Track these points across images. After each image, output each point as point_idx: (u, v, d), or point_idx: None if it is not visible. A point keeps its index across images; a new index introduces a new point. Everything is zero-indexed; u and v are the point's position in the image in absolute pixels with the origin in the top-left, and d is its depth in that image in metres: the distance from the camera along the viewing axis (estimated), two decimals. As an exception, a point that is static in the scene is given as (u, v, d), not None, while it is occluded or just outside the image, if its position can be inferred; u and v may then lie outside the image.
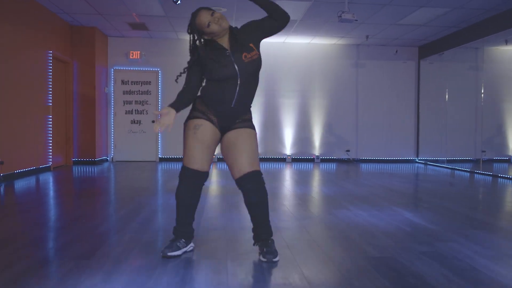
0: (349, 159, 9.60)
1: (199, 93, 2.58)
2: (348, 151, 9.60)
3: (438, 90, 8.99)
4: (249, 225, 2.64)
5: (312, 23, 7.73)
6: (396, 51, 9.51)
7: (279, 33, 8.31)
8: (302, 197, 4.79)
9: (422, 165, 9.13)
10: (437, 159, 9.01)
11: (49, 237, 3.04)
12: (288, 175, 7.03)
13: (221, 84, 2.45)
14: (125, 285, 2.06)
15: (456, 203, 4.56)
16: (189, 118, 2.55)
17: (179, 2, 6.08)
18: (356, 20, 5.82)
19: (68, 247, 2.70)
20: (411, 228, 3.31)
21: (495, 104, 8.73)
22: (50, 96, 7.14)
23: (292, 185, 5.78)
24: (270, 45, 9.18)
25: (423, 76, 9.62)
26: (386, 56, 9.61)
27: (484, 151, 8.61)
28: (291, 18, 7.39)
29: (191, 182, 2.49)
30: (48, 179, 6.23)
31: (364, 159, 9.67)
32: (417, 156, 9.75)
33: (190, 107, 2.60)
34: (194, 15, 2.46)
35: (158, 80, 9.13)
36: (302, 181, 6.34)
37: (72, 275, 2.16)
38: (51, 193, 5.26)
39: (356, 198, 4.70)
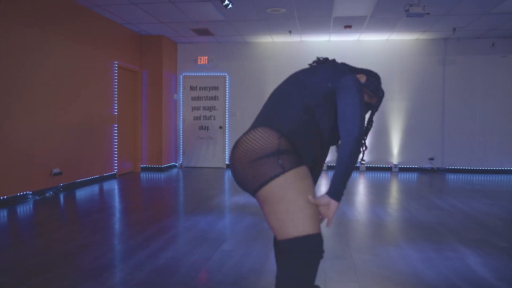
0: (432, 168, 8.49)
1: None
2: (431, 159, 8.49)
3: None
4: None
5: (384, 18, 6.88)
6: (493, 44, 8.15)
7: (351, 30, 7.71)
8: (345, 221, 4.16)
9: (525, 178, 7.71)
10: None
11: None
12: (354, 187, 6.34)
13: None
14: None
15: (550, 242, 3.57)
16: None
17: (230, 6, 5.78)
18: (428, 14, 4.94)
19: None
20: (467, 285, 2.56)
21: None
22: (116, 106, 7.32)
23: (348, 205, 5.12)
24: (343, 43, 8.48)
25: (528, 72, 8.12)
26: (481, 50, 8.29)
27: None
28: (361, 14, 6.64)
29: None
30: (109, 188, 6.34)
31: (451, 168, 8.48)
32: (520, 167, 8.29)
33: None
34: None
35: (226, 85, 8.95)
36: (364, 196, 5.63)
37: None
38: (96, 206, 5.29)
39: (417, 229, 3.94)
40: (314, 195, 1.70)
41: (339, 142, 2.14)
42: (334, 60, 1.95)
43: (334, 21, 7.12)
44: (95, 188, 6.23)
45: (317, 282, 2.56)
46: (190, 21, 7.15)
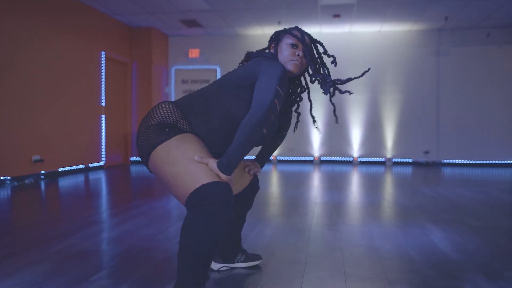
0: (427, 162, 8.30)
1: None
2: (426, 152, 8.31)
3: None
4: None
5: (373, 5, 6.76)
6: (488, 34, 7.96)
7: (341, 20, 7.59)
8: (325, 205, 4.03)
9: (522, 171, 7.49)
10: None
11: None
12: (345, 180, 6.20)
13: None
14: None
15: (526, 222, 3.41)
16: None
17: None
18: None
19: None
20: (420, 256, 2.42)
21: None
22: (104, 97, 7.28)
23: (330, 191, 4.99)
24: (334, 35, 8.37)
25: (525, 63, 7.92)
26: (476, 40, 8.11)
27: None
28: (346, 1, 6.53)
29: None
30: (94, 177, 6.29)
31: (447, 162, 8.29)
32: (517, 160, 8.06)
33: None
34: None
35: (217, 78, 8.88)
36: (351, 186, 5.50)
37: None
38: (77, 191, 5.23)
39: (392, 211, 3.80)
40: (197, 152, 1.62)
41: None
42: (257, 53, 1.95)
43: (321, 10, 7.02)
44: (79, 178, 6.18)
45: (266, 253, 2.46)
46: (176, 10, 7.11)
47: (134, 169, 7.60)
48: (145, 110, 8.27)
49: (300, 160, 8.71)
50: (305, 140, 8.63)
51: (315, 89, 2.20)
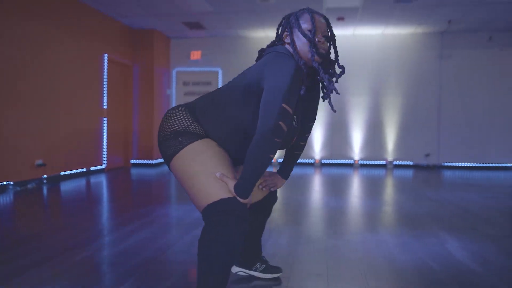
0: (428, 165, 8.31)
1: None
2: (427, 155, 8.32)
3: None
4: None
5: (377, 9, 6.75)
6: (490, 38, 7.98)
7: (345, 23, 7.58)
8: (333, 212, 4.01)
9: (523, 174, 7.52)
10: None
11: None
12: (348, 184, 6.19)
13: None
14: None
15: (538, 229, 3.41)
16: None
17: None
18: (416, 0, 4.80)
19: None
20: (440, 267, 2.41)
21: None
22: (105, 99, 7.23)
23: (336, 197, 4.97)
24: (339, 38, 8.29)
25: (526, 66, 7.95)
26: (478, 44, 8.13)
27: None
28: (352, 4, 6.51)
29: None
30: (95, 181, 6.23)
31: (448, 165, 8.30)
32: (518, 163, 8.09)
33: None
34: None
35: (218, 80, 8.84)
36: (356, 191, 5.49)
37: None
38: (80, 196, 5.18)
39: (401, 219, 3.79)
40: (217, 165, 1.61)
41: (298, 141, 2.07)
42: (269, 50, 1.75)
43: (326, 13, 7.01)
44: (81, 182, 6.12)
45: (286, 264, 2.43)
46: (180, 13, 7.06)
47: (134, 171, 7.54)
48: (146, 112, 8.22)
49: (301, 163, 8.69)
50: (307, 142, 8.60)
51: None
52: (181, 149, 1.65)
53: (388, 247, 2.82)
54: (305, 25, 1.68)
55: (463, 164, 8.28)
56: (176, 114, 1.73)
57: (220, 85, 8.82)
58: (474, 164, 8.24)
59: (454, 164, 8.30)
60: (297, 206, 4.29)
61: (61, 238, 2.99)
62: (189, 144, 1.65)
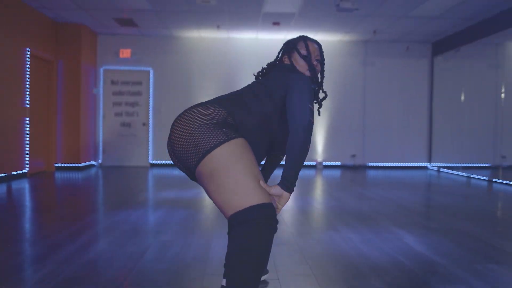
0: (354, 165, 8.86)
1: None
2: (353, 156, 8.87)
3: (454, 89, 8.20)
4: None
5: (312, 16, 7.04)
6: (408, 48, 8.74)
7: (279, 28, 7.78)
8: (288, 211, 4.12)
9: (435, 172, 8.34)
10: (452, 166, 8.21)
11: None
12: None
13: None
14: None
15: (472, 222, 3.83)
16: None
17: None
18: (357, 9, 5.14)
19: None
20: (410, 261, 2.61)
21: (517, 105, 7.89)
22: (28, 97, 6.62)
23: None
24: (268, 42, 8.53)
25: (437, 75, 8.83)
26: (397, 53, 8.85)
27: (504, 157, 7.81)
28: (289, 10, 6.72)
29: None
30: (18, 187, 5.69)
31: (371, 165, 8.93)
32: (430, 162, 8.95)
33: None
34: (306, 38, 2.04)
35: (150, 80, 8.56)
36: (295, 191, 5.67)
37: None
38: (4, 205, 4.70)
39: (352, 216, 4.00)
40: (259, 171, 1.63)
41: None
42: (280, 65, 2.02)
43: (263, 17, 7.14)
44: (2, 187, 5.54)
45: (268, 268, 2.45)
46: (113, 8, 6.72)
47: (59, 175, 7.02)
48: (72, 111, 7.67)
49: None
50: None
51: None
52: (227, 140, 1.59)
53: (355, 244, 2.98)
54: (302, 51, 1.99)
55: (384, 164, 8.94)
56: (207, 108, 1.68)
57: (152, 85, 8.55)
58: (393, 164, 8.94)
59: (377, 164, 8.93)
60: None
61: (13, 252, 2.70)
62: (235, 138, 1.61)
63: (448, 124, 8.40)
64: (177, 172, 7.62)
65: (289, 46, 2.01)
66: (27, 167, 6.67)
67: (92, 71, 8.28)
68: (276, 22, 7.42)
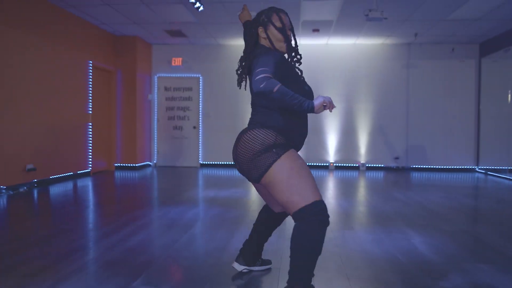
0: (398, 167, 8.91)
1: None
2: (397, 158, 8.92)
3: (503, 91, 8.01)
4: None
5: (350, 22, 7.26)
6: (453, 49, 8.65)
7: (322, 35, 8.07)
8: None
9: (483, 175, 8.20)
10: (500, 168, 8.03)
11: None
12: (324, 185, 6.65)
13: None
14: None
15: (488, 226, 3.95)
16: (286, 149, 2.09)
17: (201, 8, 6.03)
18: (386, 19, 5.31)
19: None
20: (406, 259, 2.87)
21: None
22: (91, 105, 7.45)
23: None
24: (313, 47, 8.82)
25: (484, 76, 8.64)
26: (442, 55, 8.78)
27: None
28: (327, 18, 6.99)
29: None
30: (83, 184, 6.47)
31: (415, 167, 8.93)
32: (477, 165, 8.78)
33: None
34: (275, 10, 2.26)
35: (199, 86, 9.18)
36: (331, 191, 5.95)
37: None
38: (70, 199, 5.43)
39: (371, 217, 4.26)
40: (309, 171, 2.05)
41: None
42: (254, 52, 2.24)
43: (302, 25, 7.46)
44: (69, 185, 6.35)
45: (274, 259, 2.82)
46: (162, 22, 7.37)
47: (118, 174, 7.79)
48: (129, 116, 8.46)
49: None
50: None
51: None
52: (279, 157, 2.03)
53: (361, 242, 3.27)
54: (277, 23, 2.20)
55: (429, 166, 8.90)
56: (259, 133, 2.07)
57: (201, 90, 9.16)
58: (438, 166, 8.88)
59: (421, 166, 8.92)
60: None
61: (67, 240, 3.30)
62: (285, 152, 2.05)
63: (497, 126, 8.21)
64: (223, 172, 8.16)
65: (264, 19, 2.21)
66: (90, 166, 7.51)
67: (147, 79, 9.04)
68: (315, 29, 7.71)
